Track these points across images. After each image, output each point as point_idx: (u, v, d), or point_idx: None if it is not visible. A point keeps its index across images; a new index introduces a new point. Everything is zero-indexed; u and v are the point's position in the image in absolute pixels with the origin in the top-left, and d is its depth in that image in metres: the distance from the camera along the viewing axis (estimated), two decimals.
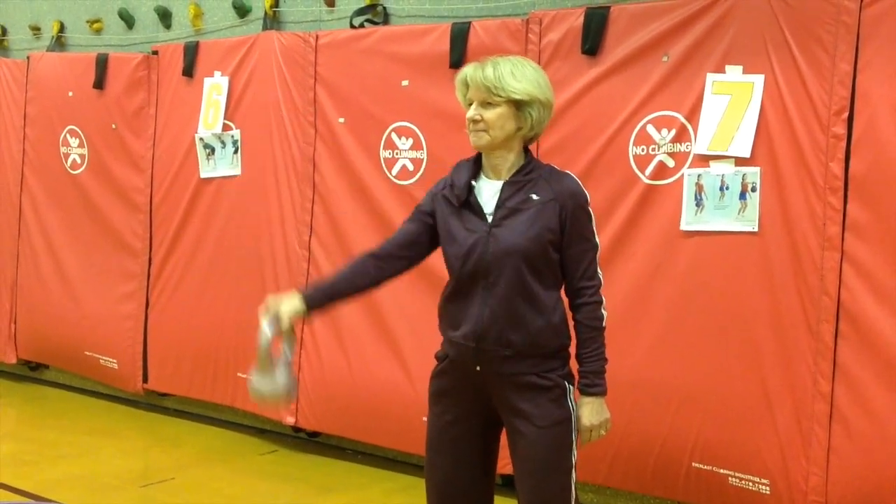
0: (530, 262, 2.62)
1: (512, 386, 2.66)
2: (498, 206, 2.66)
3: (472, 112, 2.67)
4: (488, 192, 2.70)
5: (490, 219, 2.66)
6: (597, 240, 2.72)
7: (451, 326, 2.74)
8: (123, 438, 5.26)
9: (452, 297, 2.73)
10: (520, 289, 2.62)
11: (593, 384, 2.70)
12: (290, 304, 2.70)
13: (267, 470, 4.76)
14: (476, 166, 2.75)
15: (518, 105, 2.64)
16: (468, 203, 2.70)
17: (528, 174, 2.67)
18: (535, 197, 2.64)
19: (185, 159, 5.35)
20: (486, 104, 2.65)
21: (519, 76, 2.64)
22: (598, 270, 2.73)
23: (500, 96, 2.62)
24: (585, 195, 2.70)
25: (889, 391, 3.34)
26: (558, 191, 2.66)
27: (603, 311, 2.72)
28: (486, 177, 2.73)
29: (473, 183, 2.72)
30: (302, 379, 4.81)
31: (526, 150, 2.73)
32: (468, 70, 2.69)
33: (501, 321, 2.63)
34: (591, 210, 2.72)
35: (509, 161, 2.70)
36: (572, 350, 2.76)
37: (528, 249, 2.61)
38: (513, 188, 2.66)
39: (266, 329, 2.63)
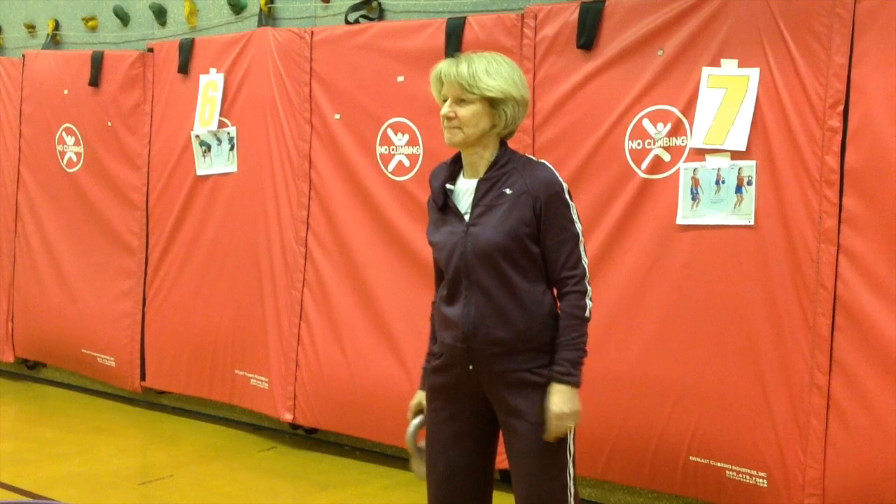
0: (509, 257, 2.61)
1: (505, 383, 2.65)
2: (474, 205, 2.66)
3: (445, 109, 2.66)
4: (466, 192, 2.70)
5: (467, 218, 2.66)
6: (577, 228, 2.65)
7: (441, 328, 2.75)
8: (121, 436, 5.26)
9: (442, 299, 2.75)
10: (502, 285, 2.62)
11: (568, 373, 2.61)
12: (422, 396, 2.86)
13: (265, 467, 4.76)
14: (454, 166, 2.76)
15: (492, 102, 2.63)
16: (447, 206, 2.71)
17: (502, 167, 2.66)
18: (507, 191, 2.63)
19: (181, 157, 5.34)
20: (460, 101, 2.64)
21: (493, 73, 2.62)
22: (583, 259, 2.65)
23: (474, 94, 2.62)
24: (560, 184, 2.64)
25: (886, 384, 3.34)
26: (531, 182, 2.62)
27: (588, 300, 2.64)
28: (465, 176, 2.73)
29: (450, 186, 2.73)
30: (299, 376, 4.81)
31: (502, 144, 2.72)
32: (442, 66, 2.69)
33: (488, 319, 2.62)
34: (568, 198, 2.65)
35: (485, 158, 2.69)
36: None
37: (504, 245, 2.60)
38: (486, 185, 2.66)
39: (412, 423, 2.85)
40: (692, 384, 3.70)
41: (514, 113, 2.66)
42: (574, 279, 2.63)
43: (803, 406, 3.48)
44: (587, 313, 2.65)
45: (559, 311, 2.67)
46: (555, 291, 2.70)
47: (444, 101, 2.68)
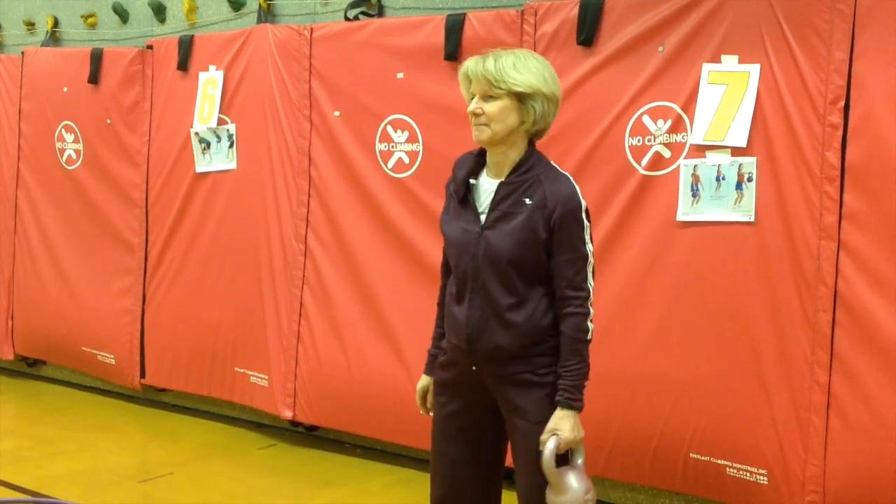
0: (518, 266, 2.59)
1: (508, 383, 2.65)
2: (491, 209, 2.63)
3: (473, 105, 2.62)
4: (486, 191, 2.67)
5: (483, 220, 2.64)
6: (587, 249, 2.62)
7: (448, 326, 2.75)
8: (121, 434, 5.26)
9: (451, 297, 2.74)
10: (509, 292, 2.60)
11: (575, 398, 2.59)
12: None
13: (265, 464, 4.76)
14: (478, 160, 2.72)
15: (520, 98, 2.59)
16: (466, 200, 2.69)
17: (525, 173, 2.62)
18: (527, 201, 2.59)
19: (180, 154, 5.33)
20: (487, 97, 2.60)
21: (521, 68, 2.59)
22: (589, 280, 2.62)
23: (501, 89, 2.58)
24: (579, 201, 2.61)
25: (886, 380, 3.34)
26: (551, 195, 2.59)
27: (589, 323, 2.62)
28: (488, 174, 2.70)
29: (472, 181, 2.70)
30: (299, 373, 4.81)
31: (530, 144, 2.68)
32: (469, 63, 2.65)
33: (491, 325, 2.61)
34: (584, 217, 2.62)
35: (510, 158, 2.64)
36: None
37: (516, 255, 2.58)
38: (507, 189, 2.62)
39: (550, 444, 2.58)
40: (693, 381, 3.69)
41: (544, 109, 2.62)
42: (578, 300, 2.60)
43: (804, 403, 3.48)
44: (589, 335, 2.63)
45: (561, 332, 2.63)
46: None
47: (473, 98, 2.64)
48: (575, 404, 2.60)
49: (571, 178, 2.67)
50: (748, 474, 3.60)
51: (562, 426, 2.58)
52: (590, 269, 2.64)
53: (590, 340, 2.64)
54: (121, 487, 4.39)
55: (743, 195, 3.59)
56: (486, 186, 2.68)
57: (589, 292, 2.63)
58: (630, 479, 3.97)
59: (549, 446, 2.57)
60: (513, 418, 2.67)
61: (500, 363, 2.64)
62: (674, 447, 3.75)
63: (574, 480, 2.60)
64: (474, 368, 2.67)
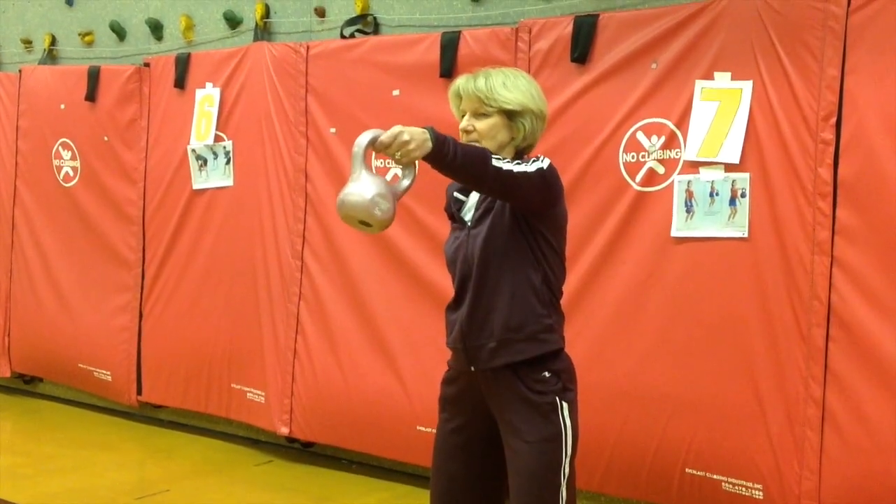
0: (507, 252, 2.60)
1: (504, 398, 2.64)
2: (475, 210, 2.69)
3: (464, 123, 2.68)
4: (474, 205, 2.72)
5: (469, 223, 2.69)
6: (531, 167, 2.54)
7: (447, 333, 2.76)
8: (118, 451, 5.25)
9: (448, 308, 2.75)
10: (498, 281, 2.61)
11: (440, 135, 2.45)
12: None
13: (262, 481, 4.75)
14: None
15: (510, 115, 2.64)
16: (458, 215, 2.74)
17: None
18: None
19: (177, 171, 5.35)
20: (478, 115, 2.66)
21: (510, 86, 2.64)
22: (524, 168, 2.52)
23: (492, 106, 2.63)
24: (540, 157, 2.60)
25: (880, 395, 3.35)
26: None
27: (497, 163, 2.47)
28: None
29: (462, 197, 2.75)
30: (296, 389, 4.81)
31: (518, 155, 2.71)
32: (460, 81, 2.71)
33: (481, 312, 2.62)
34: (543, 159, 2.58)
35: None
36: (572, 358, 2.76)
37: (501, 241, 2.59)
38: None
39: (370, 132, 2.39)
40: (688, 396, 3.70)
41: (533, 126, 2.68)
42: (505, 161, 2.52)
43: (798, 417, 3.49)
44: (492, 162, 2.47)
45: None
46: (548, 283, 2.66)
47: (463, 116, 2.69)
48: (433, 130, 2.44)
49: (546, 158, 2.63)
50: (744, 489, 3.61)
51: (404, 128, 2.44)
52: (527, 167, 2.54)
53: (488, 161, 2.48)
54: None
55: (736, 211, 3.61)
56: (475, 200, 2.73)
57: (523, 171, 2.52)
58: (626, 495, 3.97)
59: (367, 133, 2.40)
60: (507, 436, 2.66)
61: (493, 354, 2.61)
62: (669, 462, 3.75)
63: (371, 178, 2.41)
64: (472, 369, 2.67)
